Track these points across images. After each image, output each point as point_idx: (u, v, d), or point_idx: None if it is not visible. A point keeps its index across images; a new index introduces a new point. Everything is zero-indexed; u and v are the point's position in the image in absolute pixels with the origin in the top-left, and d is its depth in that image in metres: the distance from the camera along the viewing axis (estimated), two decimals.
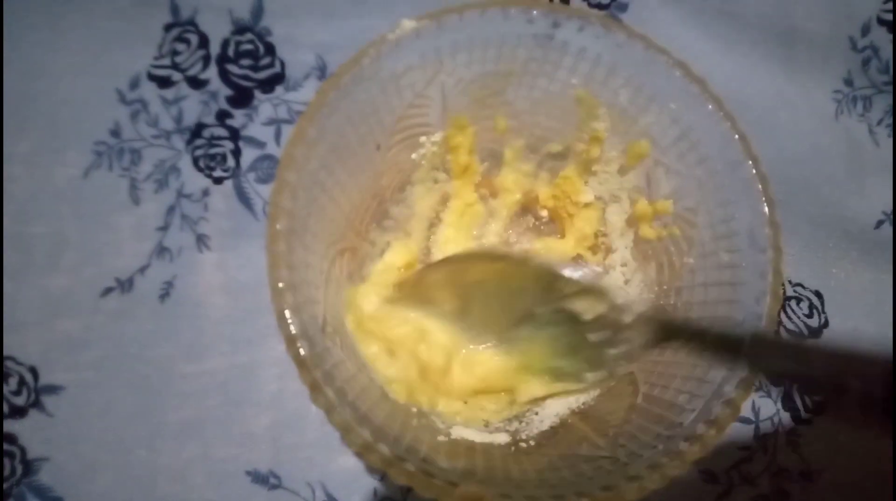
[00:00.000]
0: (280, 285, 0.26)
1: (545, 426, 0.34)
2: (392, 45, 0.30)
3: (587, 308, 0.33)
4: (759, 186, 0.30)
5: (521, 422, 0.34)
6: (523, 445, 0.32)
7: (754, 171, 0.30)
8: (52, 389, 0.37)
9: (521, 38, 0.32)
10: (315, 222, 0.30)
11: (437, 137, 0.36)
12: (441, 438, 0.31)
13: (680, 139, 0.33)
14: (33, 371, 0.37)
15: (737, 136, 0.31)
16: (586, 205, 0.38)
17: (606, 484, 0.27)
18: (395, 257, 0.38)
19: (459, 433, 0.32)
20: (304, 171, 0.28)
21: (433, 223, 0.40)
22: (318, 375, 0.26)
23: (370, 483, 0.37)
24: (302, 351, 0.26)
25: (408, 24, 0.30)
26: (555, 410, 0.35)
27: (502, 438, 0.32)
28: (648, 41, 0.31)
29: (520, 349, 0.35)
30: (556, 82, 0.34)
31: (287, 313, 0.26)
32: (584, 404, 0.35)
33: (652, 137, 0.34)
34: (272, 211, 0.27)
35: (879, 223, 0.45)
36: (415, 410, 0.32)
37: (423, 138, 0.36)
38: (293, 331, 0.26)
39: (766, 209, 0.29)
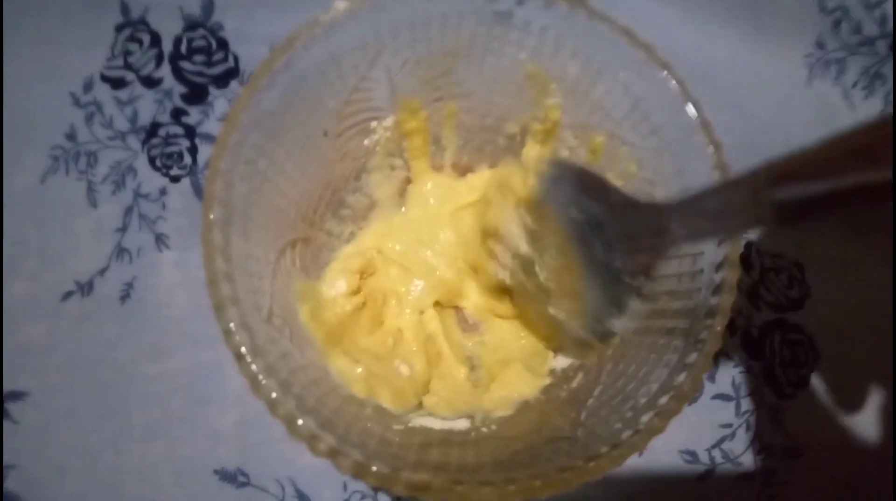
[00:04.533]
0: (216, 276, 0.26)
1: (509, 411, 0.33)
2: (326, 27, 0.29)
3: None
4: (711, 151, 0.29)
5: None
6: (484, 430, 0.32)
7: (705, 137, 0.29)
8: (17, 395, 0.36)
9: (462, 14, 0.31)
10: (258, 211, 0.29)
11: (388, 121, 0.35)
12: (397, 427, 0.30)
13: (633, 110, 0.32)
14: None
15: (688, 102, 0.30)
16: None
17: (563, 465, 0.26)
18: (366, 240, 0.37)
19: (418, 421, 0.31)
20: (238, 159, 0.27)
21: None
22: (260, 366, 0.25)
23: (340, 477, 0.37)
24: (240, 344, 0.25)
25: (341, 4, 0.29)
26: (521, 393, 0.34)
27: (462, 424, 0.32)
28: (591, 10, 0.30)
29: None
30: (504, 59, 0.33)
31: (224, 304, 0.26)
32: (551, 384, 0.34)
33: (605, 109, 0.33)
34: (205, 201, 0.26)
35: None
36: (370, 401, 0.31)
37: (374, 123, 0.35)
38: (230, 323, 0.25)
39: (719, 175, 0.28)
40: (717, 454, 0.39)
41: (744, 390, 0.41)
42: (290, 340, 0.29)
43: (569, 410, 0.31)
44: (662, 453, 0.39)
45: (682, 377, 0.27)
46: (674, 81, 0.30)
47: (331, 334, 0.33)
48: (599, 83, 0.32)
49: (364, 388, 0.31)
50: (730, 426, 0.40)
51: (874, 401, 0.41)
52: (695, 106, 0.30)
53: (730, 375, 0.41)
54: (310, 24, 0.29)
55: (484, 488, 0.25)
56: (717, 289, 0.28)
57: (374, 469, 0.24)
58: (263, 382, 0.25)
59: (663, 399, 0.27)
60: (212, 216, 0.26)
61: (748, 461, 0.40)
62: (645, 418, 0.27)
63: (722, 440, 0.40)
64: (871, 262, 0.43)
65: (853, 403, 0.41)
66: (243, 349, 0.25)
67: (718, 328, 0.27)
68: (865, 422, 0.40)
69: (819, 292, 0.42)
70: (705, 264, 0.29)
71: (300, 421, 0.25)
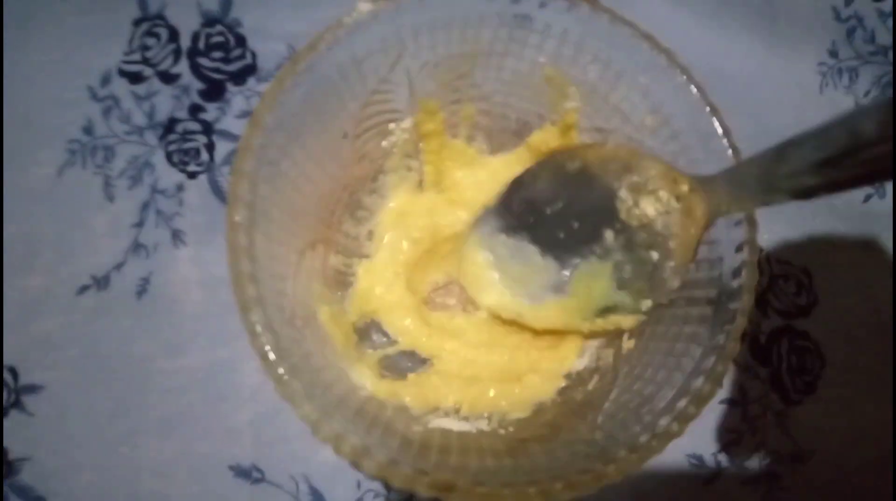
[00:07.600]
0: (241, 277, 0.26)
1: (525, 413, 0.33)
2: (349, 29, 0.29)
3: (656, 198, 0.30)
4: (731, 154, 0.29)
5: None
6: (502, 432, 0.32)
7: (725, 141, 0.29)
8: (33, 388, 0.37)
9: (484, 17, 0.31)
10: (280, 212, 0.29)
11: (406, 123, 0.35)
12: (416, 428, 0.30)
13: (652, 114, 0.32)
14: (13, 372, 0.37)
15: (707, 107, 0.30)
16: None
17: (583, 468, 0.26)
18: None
19: (437, 423, 0.32)
20: (262, 160, 0.27)
21: None
22: (284, 368, 0.26)
23: (354, 475, 0.37)
24: (266, 344, 0.25)
25: (364, 6, 0.29)
26: (536, 394, 0.34)
27: (480, 426, 0.32)
28: (613, 14, 0.30)
29: (579, 289, 0.33)
30: (523, 62, 0.34)
31: (250, 305, 0.26)
32: (567, 387, 0.35)
33: (624, 113, 0.33)
34: (230, 202, 0.26)
35: (868, 198, 0.44)
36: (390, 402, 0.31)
37: (392, 125, 0.35)
38: (256, 324, 0.26)
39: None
40: (723, 458, 0.40)
41: (751, 395, 0.41)
42: (311, 341, 0.29)
43: (585, 413, 0.31)
44: (669, 456, 0.39)
45: (699, 381, 0.27)
46: (694, 87, 0.30)
47: (350, 336, 0.33)
48: (619, 87, 0.32)
49: (385, 389, 0.31)
50: (736, 431, 0.40)
51: (880, 408, 0.41)
52: (714, 111, 0.30)
53: (737, 380, 0.41)
54: (333, 25, 0.29)
55: (505, 489, 0.25)
56: (738, 271, 0.28)
57: (399, 469, 0.25)
58: (289, 383, 0.25)
59: (681, 403, 0.27)
60: (237, 218, 0.26)
61: (754, 466, 0.40)
62: (663, 422, 0.27)
63: (728, 444, 0.40)
64: (879, 269, 0.43)
65: (859, 409, 0.41)
66: (269, 351, 0.25)
67: (745, 307, 0.28)
68: (871, 429, 0.41)
69: (827, 299, 0.42)
70: (724, 252, 0.30)
71: (324, 422, 0.25)
